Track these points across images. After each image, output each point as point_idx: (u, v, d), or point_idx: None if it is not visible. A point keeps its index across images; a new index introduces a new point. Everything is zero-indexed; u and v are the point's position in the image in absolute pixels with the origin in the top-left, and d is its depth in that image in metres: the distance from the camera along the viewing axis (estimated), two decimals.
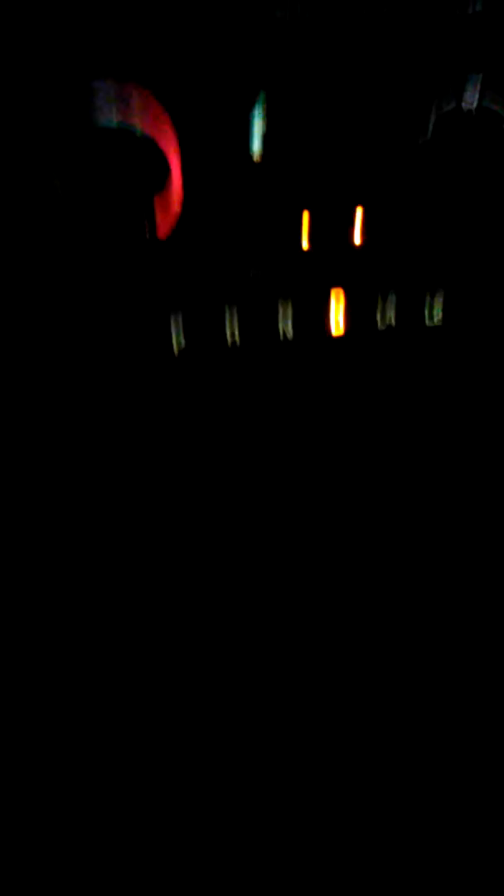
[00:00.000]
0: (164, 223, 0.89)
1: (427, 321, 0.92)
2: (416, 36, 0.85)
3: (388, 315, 0.92)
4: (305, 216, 0.89)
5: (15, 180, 0.88)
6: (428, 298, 0.92)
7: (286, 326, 0.92)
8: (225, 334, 0.92)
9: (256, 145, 0.87)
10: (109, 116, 0.86)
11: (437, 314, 0.92)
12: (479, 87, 0.86)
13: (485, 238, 0.92)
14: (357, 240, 0.90)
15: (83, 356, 0.92)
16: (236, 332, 0.92)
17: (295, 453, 0.94)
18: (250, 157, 0.88)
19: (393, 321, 0.92)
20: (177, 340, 0.92)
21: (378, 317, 0.92)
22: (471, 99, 0.87)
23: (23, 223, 0.89)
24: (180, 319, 0.91)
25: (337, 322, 0.92)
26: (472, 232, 0.91)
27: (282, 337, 0.92)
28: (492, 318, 0.93)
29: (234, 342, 0.92)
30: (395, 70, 0.86)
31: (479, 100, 0.87)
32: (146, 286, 0.91)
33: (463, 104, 0.87)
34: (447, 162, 0.87)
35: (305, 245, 0.90)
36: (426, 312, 0.92)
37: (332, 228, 0.90)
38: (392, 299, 0.92)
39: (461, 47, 0.85)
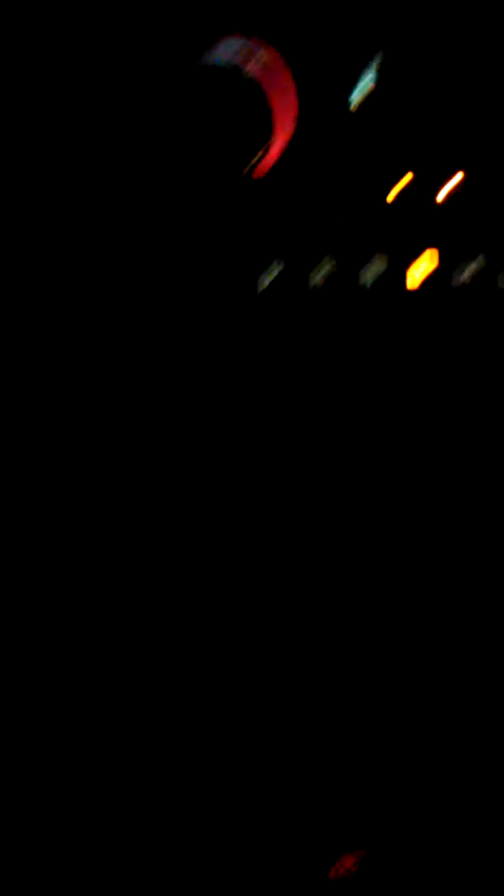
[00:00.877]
0: (262, 164, 0.94)
1: (500, 283, 0.96)
2: None
3: (463, 274, 0.96)
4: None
5: (122, 107, 0.92)
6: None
7: (365, 276, 0.96)
8: (307, 278, 0.95)
9: (356, 96, 0.93)
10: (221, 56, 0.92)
11: None
12: None
13: None
14: (440, 198, 0.95)
15: (169, 288, 0.95)
16: (318, 277, 0.95)
17: (355, 400, 0.97)
18: (348, 107, 0.93)
19: (467, 281, 0.96)
20: (261, 279, 0.95)
21: (452, 275, 0.96)
22: None
23: (125, 152, 0.93)
24: (267, 259, 0.95)
25: (413, 276, 0.96)
26: None
27: (360, 284, 0.96)
28: None
29: (315, 286, 0.95)
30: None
31: None
32: (238, 224, 0.95)
33: None
34: None
35: (390, 198, 0.95)
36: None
37: (420, 186, 0.95)
38: (470, 261, 0.96)
39: None
